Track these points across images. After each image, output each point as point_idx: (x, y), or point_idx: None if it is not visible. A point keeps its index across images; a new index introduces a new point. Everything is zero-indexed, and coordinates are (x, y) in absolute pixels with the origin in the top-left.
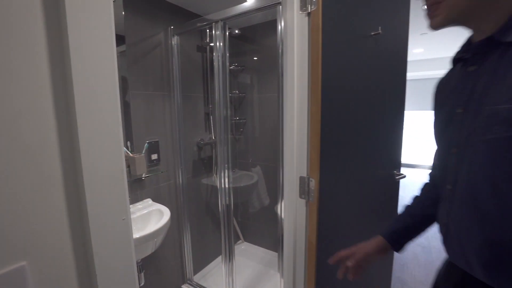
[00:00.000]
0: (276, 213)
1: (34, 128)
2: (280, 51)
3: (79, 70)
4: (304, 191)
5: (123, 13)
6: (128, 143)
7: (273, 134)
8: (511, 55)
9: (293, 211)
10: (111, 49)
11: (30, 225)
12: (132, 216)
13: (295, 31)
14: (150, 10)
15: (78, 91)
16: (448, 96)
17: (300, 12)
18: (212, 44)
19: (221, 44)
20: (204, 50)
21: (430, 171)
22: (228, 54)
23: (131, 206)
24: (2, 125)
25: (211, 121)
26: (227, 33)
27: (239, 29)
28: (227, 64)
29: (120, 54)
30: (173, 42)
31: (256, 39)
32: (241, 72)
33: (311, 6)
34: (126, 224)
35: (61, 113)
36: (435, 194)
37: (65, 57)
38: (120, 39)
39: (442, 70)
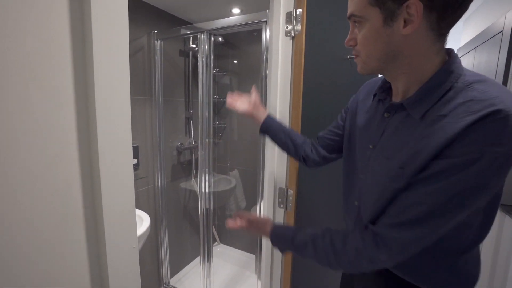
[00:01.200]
0: None
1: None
2: (263, 62)
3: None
4: (282, 201)
5: None
6: None
7: (252, 139)
8: (409, 123)
9: (271, 219)
10: (126, 66)
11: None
12: None
13: (280, 54)
14: (134, 12)
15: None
16: (368, 131)
17: (285, 36)
18: (195, 48)
19: (206, 51)
20: (187, 54)
21: (320, 135)
22: (211, 60)
23: None
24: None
25: (191, 125)
26: (212, 41)
27: (222, 36)
28: (211, 69)
29: None
30: (156, 47)
31: (238, 45)
32: (222, 77)
33: (294, 31)
34: (135, 252)
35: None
36: (303, 145)
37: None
38: None
39: None
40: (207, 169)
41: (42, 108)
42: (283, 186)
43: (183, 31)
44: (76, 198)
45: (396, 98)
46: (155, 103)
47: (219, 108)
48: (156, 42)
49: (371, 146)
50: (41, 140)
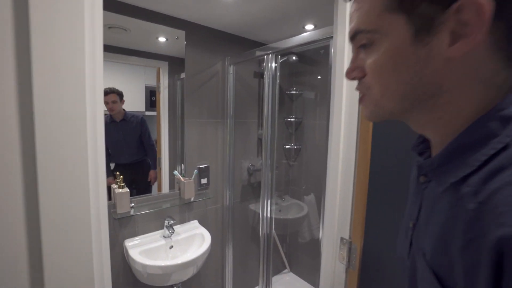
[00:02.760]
0: None
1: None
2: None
3: None
4: (344, 255)
5: (185, 42)
6: (183, 166)
7: None
8: (453, 200)
9: (330, 276)
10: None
11: None
12: (178, 237)
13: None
14: (209, 41)
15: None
16: (408, 200)
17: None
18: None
19: (272, 71)
20: (261, 75)
21: None
22: (278, 81)
23: (179, 226)
24: None
25: (263, 146)
26: (285, 59)
27: (297, 55)
28: (277, 89)
29: (180, 81)
30: (229, 71)
31: (316, 61)
32: (299, 97)
33: None
34: None
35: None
36: None
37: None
38: (181, 66)
39: None
40: (269, 193)
41: None
42: (346, 236)
43: (256, 53)
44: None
45: (436, 151)
46: (226, 125)
47: (295, 129)
48: (229, 67)
49: (411, 225)
50: None
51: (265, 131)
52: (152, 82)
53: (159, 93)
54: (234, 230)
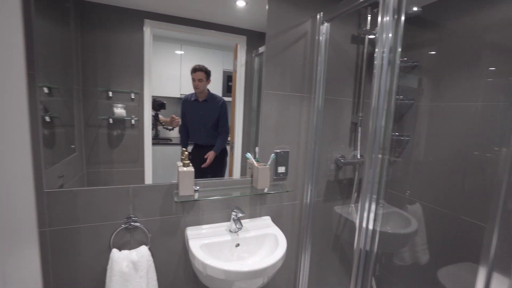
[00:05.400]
0: (438, 282)
1: None
2: None
3: None
4: None
5: (267, 6)
6: (257, 149)
7: (456, 165)
8: None
9: None
10: None
11: None
12: (246, 235)
13: None
14: None
15: None
16: None
17: None
18: (372, 31)
19: (389, 33)
20: (361, 41)
21: None
22: (399, 49)
23: (248, 220)
24: None
25: (359, 134)
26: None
27: (418, 7)
28: (397, 58)
29: (258, 57)
30: (321, 31)
31: (440, 21)
32: (411, 70)
33: None
34: None
35: None
36: None
37: None
38: (259, 40)
39: None
40: (374, 197)
41: None
42: None
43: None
44: None
45: None
46: (313, 102)
47: (402, 114)
48: (322, 26)
49: None
50: None
51: (372, 115)
52: (229, 67)
53: (235, 72)
54: (313, 235)
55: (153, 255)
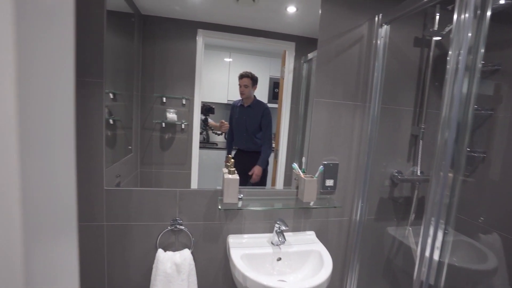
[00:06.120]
0: None
1: None
2: None
3: None
4: None
5: (320, 11)
6: (303, 159)
7: None
8: None
9: None
10: None
11: None
12: (289, 249)
13: None
14: None
15: None
16: None
17: None
18: (441, 32)
19: (469, 32)
20: (427, 43)
21: None
22: (482, 50)
23: (291, 234)
24: None
25: (420, 147)
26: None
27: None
28: (477, 64)
29: (307, 64)
30: (379, 34)
31: None
32: (490, 76)
33: None
34: None
35: None
36: None
37: None
38: (308, 46)
39: None
40: (441, 221)
41: None
42: None
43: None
44: None
45: None
46: (368, 112)
47: (476, 126)
48: (380, 28)
49: None
50: None
51: (441, 127)
52: (276, 73)
53: (283, 79)
54: (361, 256)
55: (195, 259)
